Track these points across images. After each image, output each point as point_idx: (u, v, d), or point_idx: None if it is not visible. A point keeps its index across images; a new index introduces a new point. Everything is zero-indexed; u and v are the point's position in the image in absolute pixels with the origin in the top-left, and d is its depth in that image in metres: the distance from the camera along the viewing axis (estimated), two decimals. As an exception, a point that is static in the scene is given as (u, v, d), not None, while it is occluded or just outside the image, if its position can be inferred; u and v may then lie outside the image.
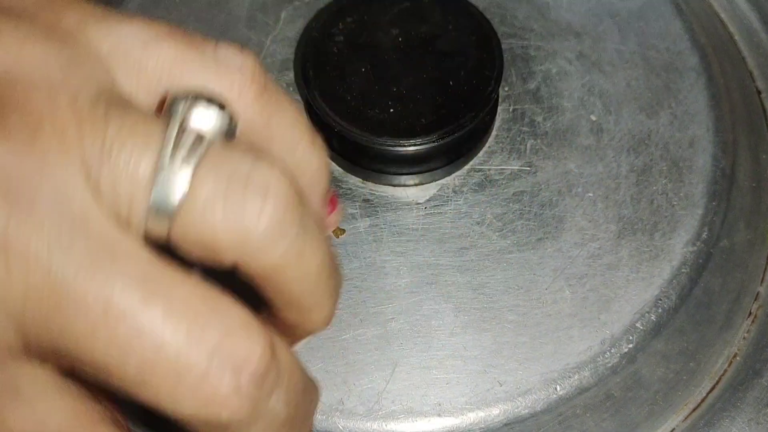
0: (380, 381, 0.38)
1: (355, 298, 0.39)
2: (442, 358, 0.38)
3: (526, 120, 0.43)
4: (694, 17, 0.47)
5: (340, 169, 0.42)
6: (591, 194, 0.41)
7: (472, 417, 0.37)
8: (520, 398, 0.38)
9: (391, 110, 0.40)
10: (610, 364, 0.38)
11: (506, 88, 0.44)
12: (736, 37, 0.49)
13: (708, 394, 0.41)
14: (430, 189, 0.42)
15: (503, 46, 0.42)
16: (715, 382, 0.41)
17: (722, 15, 0.50)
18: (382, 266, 0.40)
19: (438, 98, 0.40)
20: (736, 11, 0.50)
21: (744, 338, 0.42)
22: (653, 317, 0.39)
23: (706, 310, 0.41)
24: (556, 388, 0.38)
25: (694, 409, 0.41)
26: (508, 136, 0.43)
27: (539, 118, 0.43)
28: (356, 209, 0.41)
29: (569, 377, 0.38)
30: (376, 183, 0.42)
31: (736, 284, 0.42)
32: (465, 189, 0.41)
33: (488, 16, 0.43)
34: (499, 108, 0.43)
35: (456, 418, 0.37)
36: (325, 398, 0.37)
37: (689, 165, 0.42)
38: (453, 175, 0.42)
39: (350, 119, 0.40)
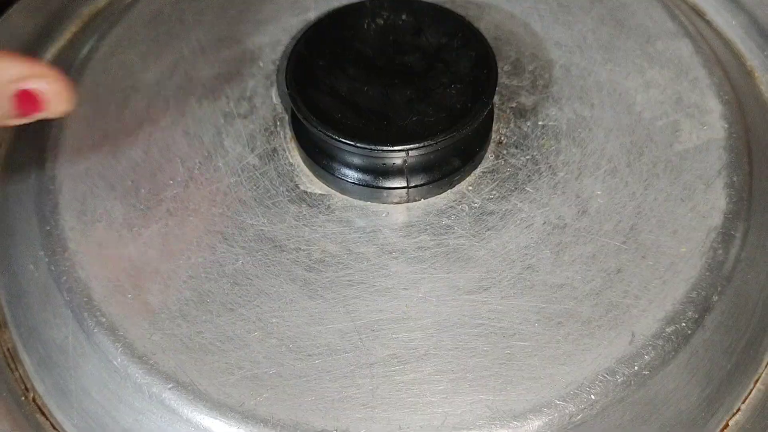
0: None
1: (342, 320, 0.37)
2: (437, 380, 0.36)
3: (521, 136, 0.41)
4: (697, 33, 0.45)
5: (326, 184, 0.40)
6: (598, 207, 0.39)
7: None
8: (515, 421, 0.35)
9: (382, 123, 0.38)
10: (619, 391, 0.35)
11: (499, 102, 0.42)
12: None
13: (730, 419, 0.38)
14: (419, 206, 0.40)
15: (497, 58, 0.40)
16: (736, 408, 0.38)
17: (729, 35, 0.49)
18: (373, 284, 0.38)
19: (430, 111, 0.39)
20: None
21: None
22: (669, 338, 0.36)
23: (725, 333, 0.38)
24: (559, 413, 0.35)
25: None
26: (502, 156, 0.41)
27: (536, 133, 0.42)
28: (344, 226, 0.39)
29: (576, 397, 0.35)
30: (359, 199, 0.40)
31: (755, 304, 0.40)
32: (458, 207, 0.40)
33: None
34: (494, 124, 0.42)
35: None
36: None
37: (702, 174, 0.40)
38: (445, 193, 0.40)
39: (338, 132, 0.38)
